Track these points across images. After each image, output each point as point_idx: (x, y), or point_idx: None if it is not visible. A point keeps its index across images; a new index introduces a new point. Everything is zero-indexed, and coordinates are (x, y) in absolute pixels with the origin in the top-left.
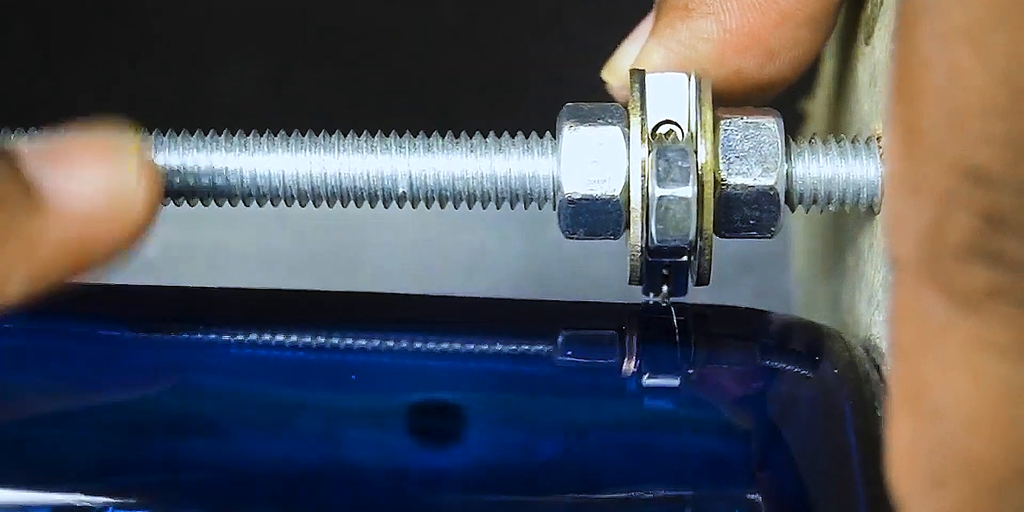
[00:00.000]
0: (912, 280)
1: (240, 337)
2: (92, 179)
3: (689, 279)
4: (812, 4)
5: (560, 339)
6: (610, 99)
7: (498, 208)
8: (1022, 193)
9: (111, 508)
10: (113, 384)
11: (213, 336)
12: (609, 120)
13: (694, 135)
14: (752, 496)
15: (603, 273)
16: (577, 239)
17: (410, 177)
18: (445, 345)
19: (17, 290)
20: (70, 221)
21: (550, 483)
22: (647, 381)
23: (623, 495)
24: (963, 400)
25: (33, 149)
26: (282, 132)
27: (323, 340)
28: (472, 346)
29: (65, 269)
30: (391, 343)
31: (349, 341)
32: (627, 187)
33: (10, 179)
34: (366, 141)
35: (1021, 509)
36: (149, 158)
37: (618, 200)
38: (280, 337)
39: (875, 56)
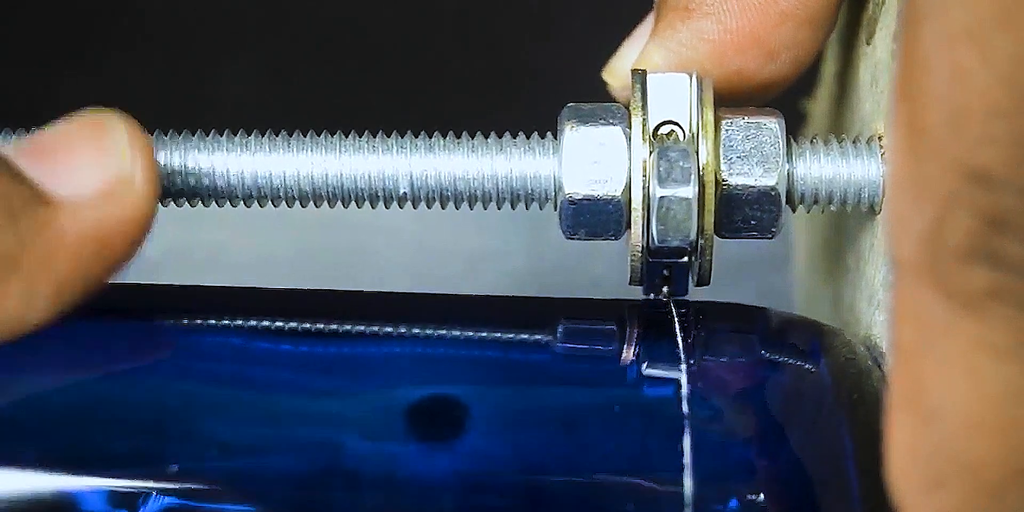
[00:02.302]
0: (912, 281)
1: (240, 335)
2: (87, 167)
3: (690, 279)
4: (812, 4)
5: (560, 333)
6: (611, 99)
7: (499, 208)
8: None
9: (155, 493)
10: (112, 377)
11: (213, 334)
12: (610, 120)
13: (695, 135)
14: (750, 490)
15: (604, 273)
16: (578, 239)
17: (411, 177)
18: (446, 342)
19: (45, 291)
20: (81, 211)
21: (549, 476)
22: (646, 374)
23: (622, 487)
24: (962, 401)
25: (20, 149)
26: (283, 132)
27: (324, 338)
28: (472, 342)
29: (89, 261)
30: (392, 340)
31: (350, 339)
32: (628, 187)
33: (13, 181)
34: (367, 141)
35: (1020, 510)
36: (137, 133)
37: (619, 200)
38: (280, 336)
39: (876, 56)
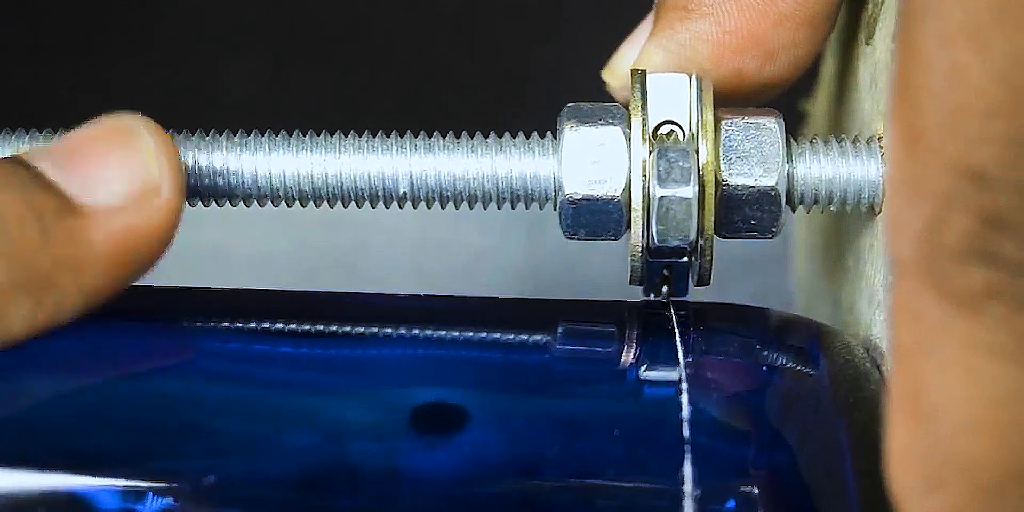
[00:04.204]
0: (910, 281)
1: (241, 336)
2: (116, 174)
3: (690, 280)
4: (811, 5)
5: (560, 335)
6: (611, 99)
7: (499, 208)
8: (1020, 194)
9: (150, 493)
10: (116, 378)
11: (213, 335)
12: (610, 120)
13: (695, 135)
14: (748, 491)
15: (603, 273)
16: (578, 239)
17: (411, 177)
18: (446, 343)
19: (77, 299)
20: (109, 218)
21: (549, 477)
22: (646, 375)
23: (622, 488)
24: (960, 402)
25: (48, 156)
26: (283, 132)
27: (325, 339)
28: (473, 344)
29: (119, 268)
30: (393, 342)
31: (351, 340)
32: (628, 187)
33: (40, 188)
34: (367, 141)
35: (1019, 510)
36: (164, 139)
37: (619, 200)
38: (280, 336)
39: (876, 56)
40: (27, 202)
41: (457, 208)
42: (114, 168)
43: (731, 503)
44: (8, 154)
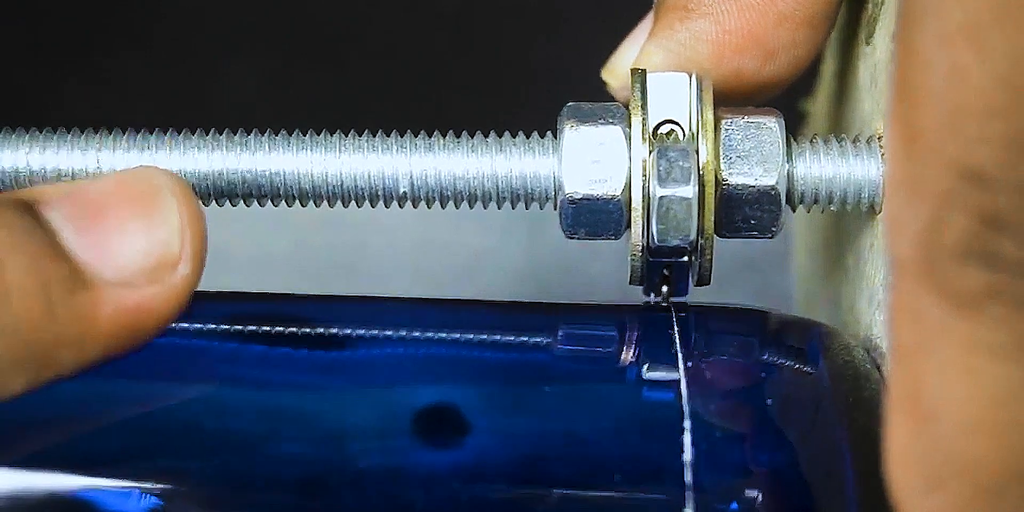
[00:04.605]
0: (909, 281)
1: (239, 337)
2: (135, 243)
3: (690, 279)
4: (811, 4)
5: (561, 337)
6: (611, 99)
7: (499, 208)
8: (1019, 194)
9: (139, 492)
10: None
11: (212, 337)
12: (610, 120)
13: (695, 135)
14: (749, 491)
15: (604, 273)
16: (578, 239)
17: (411, 177)
18: (447, 346)
19: (71, 371)
20: (120, 294)
21: (551, 478)
22: (646, 376)
23: (622, 489)
24: (960, 402)
25: (63, 205)
26: (283, 132)
27: (324, 341)
28: (474, 346)
29: (120, 343)
30: (394, 344)
31: (351, 343)
32: (628, 187)
33: (51, 256)
34: (367, 141)
35: (1019, 510)
36: (190, 201)
37: (619, 200)
38: (280, 338)
39: (876, 56)
40: (37, 271)
41: (457, 208)
42: (135, 238)
43: (733, 505)
44: (8, 154)
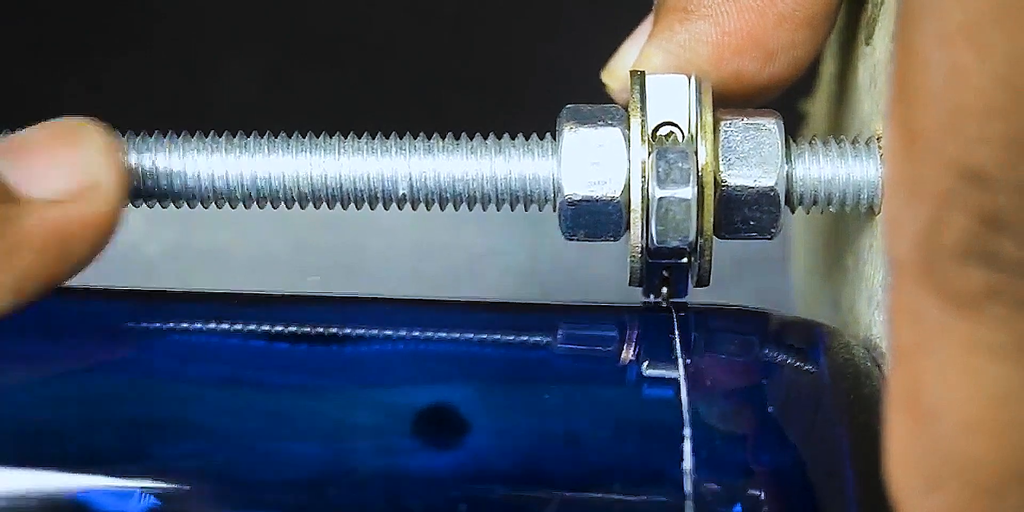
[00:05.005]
0: (909, 281)
1: (240, 338)
2: (59, 164)
3: (689, 280)
4: (810, 5)
5: (561, 337)
6: (610, 100)
7: (498, 210)
8: (1019, 194)
9: (139, 492)
10: (112, 378)
11: (211, 337)
12: (609, 121)
13: (694, 136)
14: (751, 491)
15: (603, 274)
16: (577, 241)
17: (410, 179)
18: (447, 346)
19: (7, 285)
20: (47, 211)
21: (550, 478)
22: (647, 376)
23: (622, 488)
24: (959, 402)
25: None
26: (282, 134)
27: (324, 342)
28: (473, 346)
29: (52, 258)
30: (395, 344)
31: (352, 343)
32: (627, 188)
33: None
34: (366, 143)
35: (1019, 510)
36: (111, 140)
37: (618, 201)
38: (279, 338)
39: (875, 56)
40: None
41: (457, 210)
42: (57, 164)
43: (734, 503)
44: None
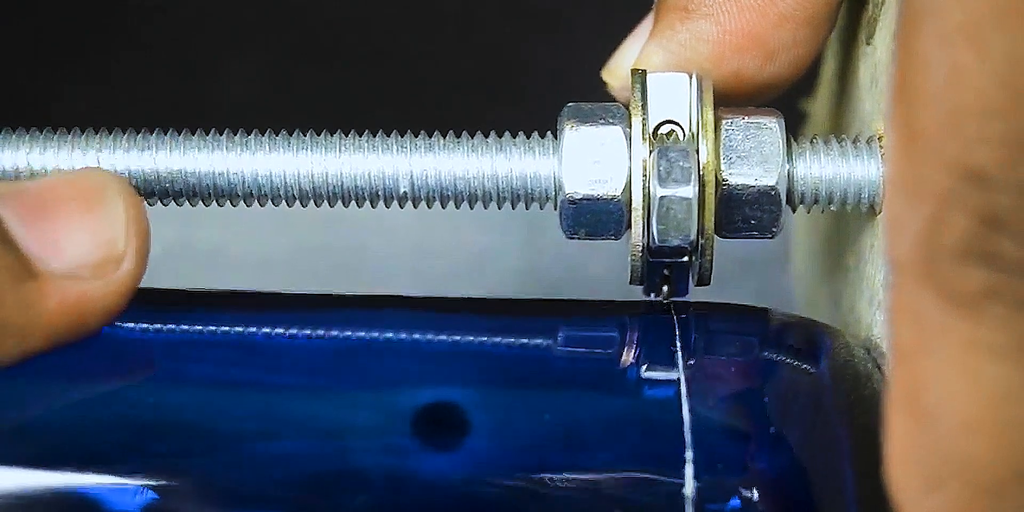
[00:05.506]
0: (909, 281)
1: (239, 337)
2: (80, 238)
3: (690, 279)
4: (811, 5)
5: (561, 336)
6: (611, 99)
7: (499, 208)
8: (1019, 194)
9: (139, 487)
10: (112, 379)
11: (213, 336)
12: (610, 120)
13: (695, 135)
14: (749, 490)
15: (604, 273)
16: (578, 239)
17: (411, 177)
18: (447, 344)
19: (14, 359)
20: (65, 286)
21: (551, 477)
22: (647, 375)
23: (623, 489)
24: (959, 402)
25: (12, 207)
26: (283, 132)
27: (325, 340)
28: (474, 345)
29: (64, 334)
30: (395, 343)
31: (352, 342)
32: (628, 187)
33: (3, 249)
34: (367, 141)
35: (1019, 510)
36: (134, 203)
37: (619, 200)
38: (279, 338)
39: (876, 56)
40: None
41: (457, 208)
42: (80, 233)
43: (734, 502)
44: (8, 154)
